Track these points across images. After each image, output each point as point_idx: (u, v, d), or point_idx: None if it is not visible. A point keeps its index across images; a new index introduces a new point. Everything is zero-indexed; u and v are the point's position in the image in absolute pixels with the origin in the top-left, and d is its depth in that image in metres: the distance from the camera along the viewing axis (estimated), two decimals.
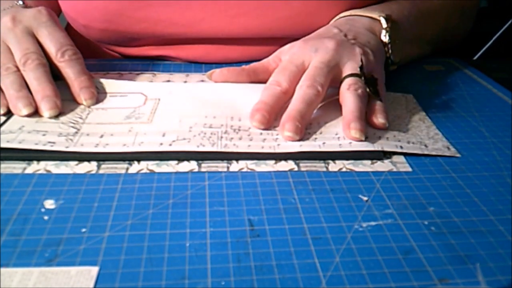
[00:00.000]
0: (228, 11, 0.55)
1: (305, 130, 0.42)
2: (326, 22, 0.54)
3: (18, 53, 0.45)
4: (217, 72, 0.50)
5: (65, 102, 0.47)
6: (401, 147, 0.41)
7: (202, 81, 0.53)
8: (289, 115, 0.42)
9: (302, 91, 0.43)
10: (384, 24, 0.51)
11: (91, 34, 0.57)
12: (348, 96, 0.43)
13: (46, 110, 0.43)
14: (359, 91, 0.43)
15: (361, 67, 0.45)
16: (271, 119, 0.43)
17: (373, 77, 0.46)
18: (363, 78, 0.45)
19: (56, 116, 0.44)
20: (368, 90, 0.44)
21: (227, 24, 0.55)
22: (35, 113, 0.44)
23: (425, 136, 0.44)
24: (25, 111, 0.43)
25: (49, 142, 0.40)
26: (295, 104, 0.42)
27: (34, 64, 0.45)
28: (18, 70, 0.45)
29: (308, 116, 0.43)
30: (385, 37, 0.51)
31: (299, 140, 0.41)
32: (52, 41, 0.47)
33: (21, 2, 0.53)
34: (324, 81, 0.44)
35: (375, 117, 0.43)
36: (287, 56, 0.47)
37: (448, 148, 0.42)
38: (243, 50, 0.59)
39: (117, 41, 0.58)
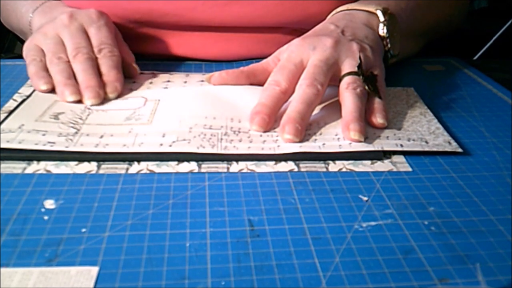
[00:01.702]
0: None
1: (305, 131, 0.42)
2: (318, 9, 0.55)
3: (70, 46, 0.50)
4: (216, 75, 0.50)
5: (64, 102, 0.47)
6: (401, 145, 0.41)
7: (202, 81, 0.53)
8: (289, 117, 0.42)
9: (301, 91, 0.43)
10: (382, 18, 0.51)
11: None
12: (347, 96, 0.43)
13: (88, 98, 0.47)
14: (358, 90, 0.43)
15: (359, 65, 0.45)
16: (271, 121, 0.43)
17: (373, 74, 0.46)
18: (362, 76, 0.44)
19: (56, 117, 0.44)
20: (367, 88, 0.44)
21: (219, 12, 0.56)
22: (79, 101, 0.47)
23: (426, 131, 0.44)
24: (71, 98, 0.47)
25: (49, 142, 0.40)
26: (295, 105, 0.42)
27: (83, 58, 0.49)
28: (69, 61, 0.49)
29: (308, 116, 0.43)
30: (382, 31, 0.50)
31: (299, 142, 0.41)
32: (95, 39, 0.51)
33: None
34: (324, 79, 0.44)
35: (374, 117, 0.43)
36: (285, 55, 0.47)
37: (450, 143, 0.42)
38: (240, 43, 0.59)
39: None
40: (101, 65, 0.50)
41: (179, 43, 0.59)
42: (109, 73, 0.49)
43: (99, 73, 0.49)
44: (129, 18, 0.57)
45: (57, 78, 0.48)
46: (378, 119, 0.43)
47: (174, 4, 0.56)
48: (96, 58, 0.50)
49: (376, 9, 0.51)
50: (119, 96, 0.49)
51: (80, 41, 0.50)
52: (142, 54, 0.60)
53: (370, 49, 0.47)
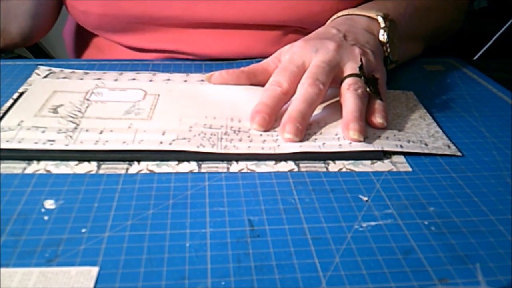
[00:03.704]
0: None
1: (305, 130, 0.42)
2: (319, 8, 0.55)
3: None
4: (216, 74, 0.50)
5: (63, 93, 0.47)
6: (401, 146, 0.41)
7: (202, 81, 0.53)
8: (290, 116, 0.42)
9: (303, 90, 0.43)
10: (382, 24, 0.51)
11: (90, 20, 0.58)
12: (348, 96, 0.43)
13: None
14: (359, 91, 0.43)
15: (360, 67, 0.45)
16: (271, 121, 0.43)
17: (374, 77, 0.46)
18: (363, 78, 0.45)
19: (55, 110, 0.44)
20: (368, 89, 0.44)
21: (222, 7, 0.56)
22: None
23: (425, 134, 0.44)
24: None
25: (49, 141, 0.40)
26: (296, 104, 0.42)
27: None
28: None
29: (309, 116, 0.43)
30: (383, 37, 0.51)
31: (299, 141, 0.41)
32: None
33: None
34: (326, 79, 0.44)
35: (374, 117, 0.43)
36: (287, 56, 0.47)
37: (449, 147, 0.42)
38: (241, 41, 0.59)
39: (115, 26, 0.58)
40: None
41: (180, 39, 0.59)
42: None
43: None
44: (130, 13, 0.57)
45: None
46: (377, 119, 0.43)
47: None
48: None
49: (377, 15, 0.51)
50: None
51: None
52: (143, 49, 0.60)
53: (372, 54, 0.47)
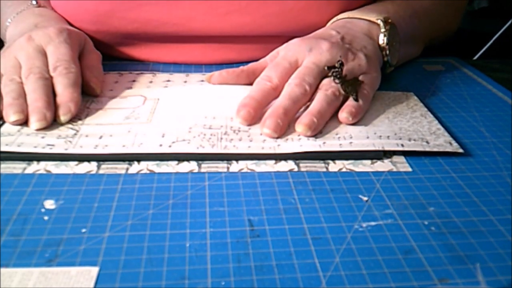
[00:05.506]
0: (219, 9, 0.55)
1: (286, 128, 0.42)
2: (318, 19, 0.55)
3: (24, 68, 0.46)
4: (216, 74, 0.50)
5: None
6: (402, 145, 0.41)
7: (202, 81, 0.53)
8: (273, 111, 0.42)
9: (290, 89, 0.44)
10: (383, 28, 0.51)
11: None
12: (316, 96, 0.44)
13: (33, 121, 0.42)
14: (329, 91, 0.44)
15: (336, 67, 0.45)
16: (256, 115, 0.43)
17: (357, 80, 0.46)
18: (339, 79, 0.45)
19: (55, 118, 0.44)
20: (343, 91, 0.44)
21: (218, 22, 0.56)
22: (25, 123, 0.42)
23: (426, 131, 0.44)
24: (13, 118, 0.42)
25: (48, 145, 0.40)
26: (281, 100, 0.43)
27: (35, 78, 0.44)
28: (22, 83, 0.45)
29: (293, 113, 0.43)
30: (383, 40, 0.51)
31: (277, 138, 0.41)
32: (51, 57, 0.47)
33: (34, 2, 0.57)
34: (313, 81, 0.45)
35: (341, 112, 0.44)
36: (282, 52, 0.48)
37: (451, 144, 0.42)
38: (240, 51, 0.59)
39: (109, 41, 0.58)
40: (56, 84, 0.45)
41: (177, 52, 0.59)
42: (63, 93, 0.44)
43: (54, 93, 0.44)
44: (124, 31, 0.56)
45: (5, 100, 0.43)
46: (343, 113, 0.43)
47: (173, 14, 0.55)
48: (51, 77, 0.45)
49: (377, 19, 0.51)
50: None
51: (34, 62, 0.46)
52: (140, 61, 0.60)
53: (365, 58, 0.48)
